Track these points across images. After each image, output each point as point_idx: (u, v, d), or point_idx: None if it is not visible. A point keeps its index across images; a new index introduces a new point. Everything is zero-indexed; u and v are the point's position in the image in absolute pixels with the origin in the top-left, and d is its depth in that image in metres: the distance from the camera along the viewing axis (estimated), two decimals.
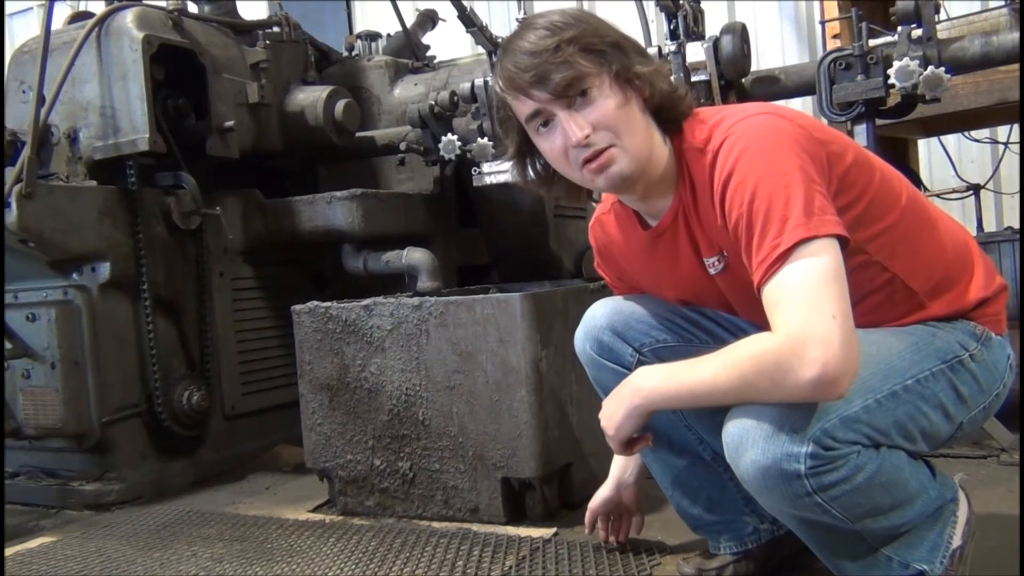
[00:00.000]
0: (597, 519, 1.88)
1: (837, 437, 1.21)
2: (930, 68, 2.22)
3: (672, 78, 1.45)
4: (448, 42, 4.09)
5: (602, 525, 1.89)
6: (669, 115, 1.42)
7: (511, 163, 1.55)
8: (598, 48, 1.35)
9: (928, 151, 4.41)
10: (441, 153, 2.78)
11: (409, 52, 3.68)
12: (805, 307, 1.19)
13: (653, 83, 1.39)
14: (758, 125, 1.32)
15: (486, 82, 2.66)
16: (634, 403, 1.36)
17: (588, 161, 1.38)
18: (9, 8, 6.04)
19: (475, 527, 2.13)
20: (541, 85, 1.35)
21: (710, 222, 1.40)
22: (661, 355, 1.60)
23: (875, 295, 1.40)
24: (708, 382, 1.26)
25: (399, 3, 3.72)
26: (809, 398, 1.20)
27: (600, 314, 1.68)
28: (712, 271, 1.47)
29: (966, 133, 3.96)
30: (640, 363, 1.61)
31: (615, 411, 1.39)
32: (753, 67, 2.61)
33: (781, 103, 1.95)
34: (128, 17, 2.74)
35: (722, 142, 1.34)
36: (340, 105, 3.15)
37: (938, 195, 4.09)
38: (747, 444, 1.23)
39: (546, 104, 1.37)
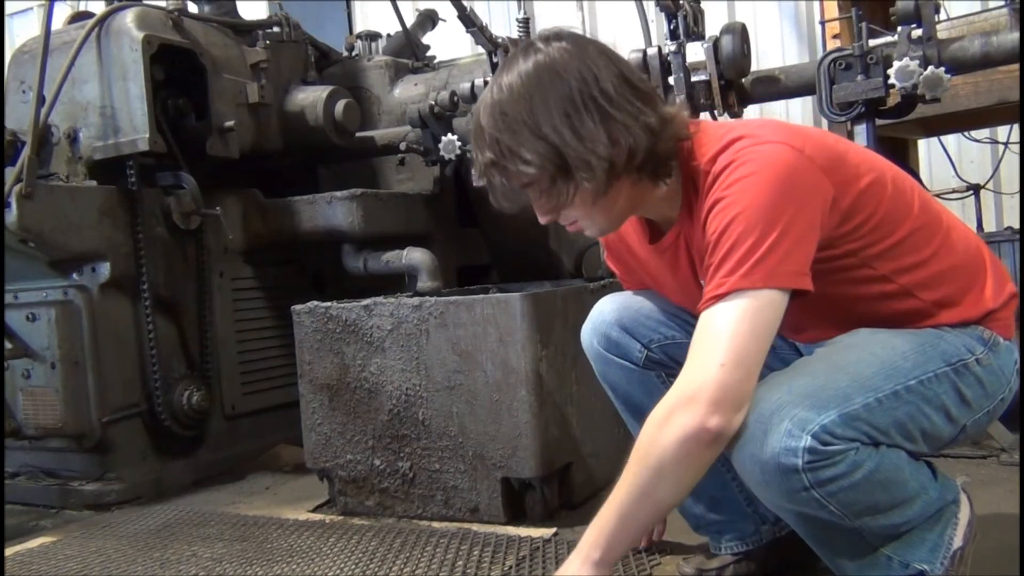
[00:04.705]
0: None
1: (836, 433, 1.21)
2: (930, 68, 2.21)
3: (653, 119, 1.31)
4: (448, 42, 4.09)
5: None
6: (656, 166, 1.36)
7: None
8: (528, 158, 1.29)
9: (928, 151, 4.41)
10: (441, 153, 2.78)
11: (409, 52, 3.69)
12: (710, 358, 1.22)
13: (631, 150, 1.30)
14: (764, 156, 1.28)
15: (486, 82, 2.66)
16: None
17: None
18: (9, 8, 6.04)
19: (475, 527, 2.13)
20: (493, 189, 1.38)
21: (701, 242, 1.39)
22: (669, 351, 1.61)
23: (884, 307, 1.40)
24: (627, 508, 1.26)
25: (399, 3, 3.72)
26: (691, 454, 1.22)
27: (608, 310, 1.67)
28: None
29: (966, 133, 3.95)
30: (648, 359, 1.62)
31: None
32: (753, 67, 2.60)
33: (781, 103, 1.94)
34: (128, 17, 2.74)
35: (725, 167, 1.31)
36: (340, 105, 3.15)
37: (938, 195, 4.09)
38: (746, 438, 1.23)
39: None
